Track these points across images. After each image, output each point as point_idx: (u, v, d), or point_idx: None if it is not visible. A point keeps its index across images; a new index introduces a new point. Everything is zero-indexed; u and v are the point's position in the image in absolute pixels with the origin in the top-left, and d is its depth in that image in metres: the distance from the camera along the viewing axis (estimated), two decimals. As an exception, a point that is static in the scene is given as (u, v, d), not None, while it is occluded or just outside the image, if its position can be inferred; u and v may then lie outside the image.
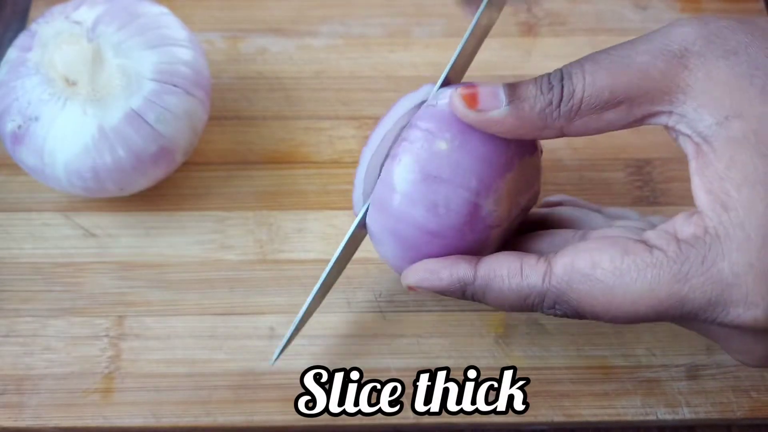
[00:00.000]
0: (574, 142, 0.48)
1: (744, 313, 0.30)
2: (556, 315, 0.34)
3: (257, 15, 0.53)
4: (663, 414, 0.41)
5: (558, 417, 0.41)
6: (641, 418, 0.41)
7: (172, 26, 0.45)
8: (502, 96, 0.34)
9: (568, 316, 0.34)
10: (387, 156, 0.37)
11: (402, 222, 0.36)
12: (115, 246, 0.45)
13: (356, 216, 0.38)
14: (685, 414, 0.41)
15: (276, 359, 0.39)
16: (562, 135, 0.34)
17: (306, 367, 0.42)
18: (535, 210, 0.41)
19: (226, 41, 0.52)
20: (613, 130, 0.33)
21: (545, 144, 0.48)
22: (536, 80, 0.34)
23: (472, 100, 0.34)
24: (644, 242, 0.32)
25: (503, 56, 0.52)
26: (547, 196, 0.44)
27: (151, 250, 0.45)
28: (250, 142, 0.49)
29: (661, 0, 0.54)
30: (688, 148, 0.32)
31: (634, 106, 0.32)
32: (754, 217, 0.29)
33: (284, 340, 0.39)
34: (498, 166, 0.36)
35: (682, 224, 0.31)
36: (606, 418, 0.41)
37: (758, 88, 0.30)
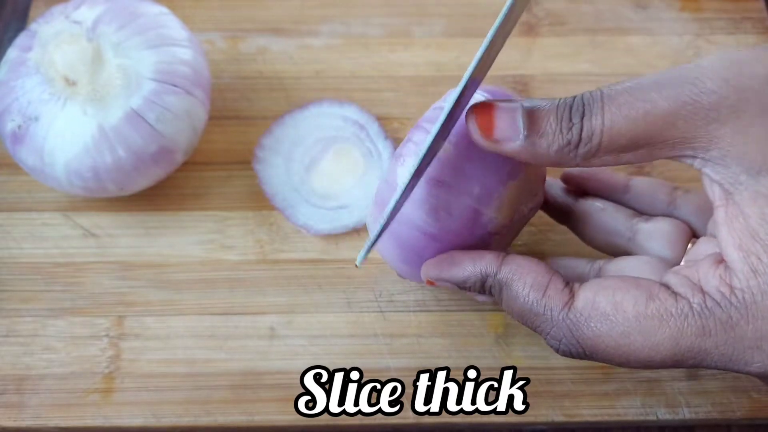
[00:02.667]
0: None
1: (761, 370, 0.30)
2: (557, 350, 0.33)
3: (257, 15, 0.53)
4: (663, 414, 0.41)
5: (558, 417, 0.41)
6: (641, 418, 0.41)
7: (172, 26, 0.45)
8: (520, 125, 0.32)
9: (571, 355, 0.33)
10: (396, 159, 0.37)
11: (402, 223, 0.36)
12: (115, 246, 0.45)
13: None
14: (685, 414, 0.41)
15: (363, 258, 0.35)
16: (578, 166, 0.33)
17: (306, 367, 0.42)
18: (556, 192, 0.41)
19: (226, 41, 0.52)
20: (633, 164, 0.33)
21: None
22: (557, 112, 0.32)
23: (487, 129, 0.33)
24: (667, 287, 0.31)
25: (503, 56, 0.51)
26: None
27: (151, 250, 0.45)
28: (250, 142, 0.49)
29: (661, 0, 0.54)
30: (716, 194, 0.31)
31: (655, 150, 0.31)
32: None
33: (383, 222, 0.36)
34: (502, 174, 0.36)
35: (707, 274, 0.31)
36: (606, 418, 0.41)
37: None
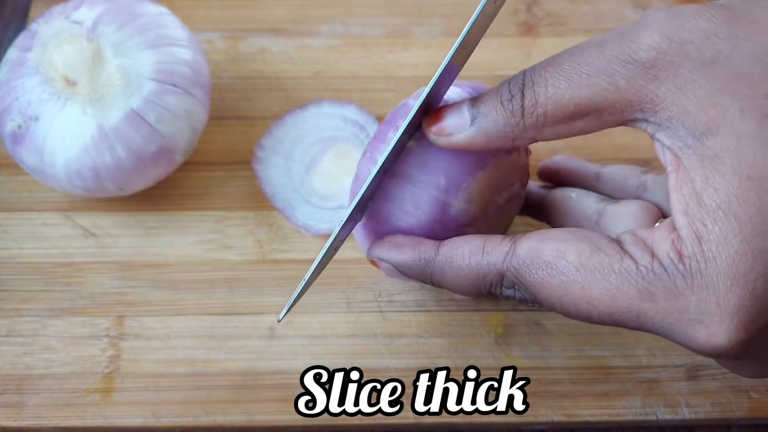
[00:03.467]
0: (574, 142, 0.48)
1: (704, 343, 0.29)
2: (514, 298, 0.33)
3: (257, 15, 0.53)
4: (663, 414, 0.41)
5: (558, 417, 0.41)
6: (641, 418, 0.41)
7: (172, 26, 0.45)
8: (466, 114, 0.33)
9: (526, 301, 0.33)
10: (364, 156, 0.38)
11: (375, 220, 0.36)
12: (115, 246, 0.45)
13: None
14: (684, 414, 0.41)
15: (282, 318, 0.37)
16: (536, 141, 0.33)
17: (306, 367, 0.42)
18: (532, 189, 0.41)
19: (226, 41, 0.52)
20: (589, 133, 0.32)
21: (546, 143, 0.48)
22: (497, 90, 0.32)
23: (438, 128, 0.34)
24: (618, 243, 0.30)
25: (503, 56, 0.52)
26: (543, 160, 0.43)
27: (151, 250, 0.45)
28: (249, 142, 0.49)
29: (661, 0, 0.54)
30: (667, 160, 0.30)
31: (604, 115, 0.30)
32: (726, 254, 0.28)
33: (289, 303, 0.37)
34: (468, 165, 0.35)
35: (661, 238, 0.30)
36: (606, 418, 0.41)
37: (739, 103, 0.28)
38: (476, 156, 0.35)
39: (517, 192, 0.39)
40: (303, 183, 0.47)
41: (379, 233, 0.37)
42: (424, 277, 0.35)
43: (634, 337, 0.42)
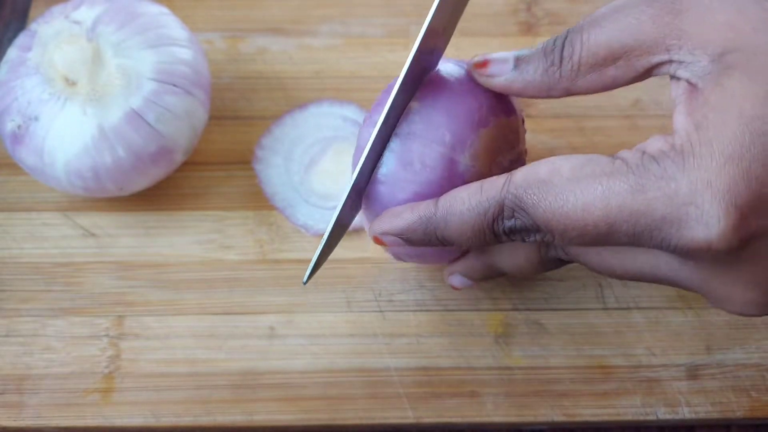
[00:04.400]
0: (574, 142, 0.48)
1: (697, 233, 0.28)
2: (514, 232, 0.33)
3: (257, 15, 0.53)
4: (663, 414, 0.41)
5: (558, 417, 0.41)
6: (641, 417, 0.41)
7: (172, 26, 0.45)
8: (511, 61, 0.34)
9: (527, 231, 0.32)
10: (363, 125, 0.38)
11: (382, 183, 0.36)
12: (114, 246, 0.45)
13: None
14: (685, 414, 0.41)
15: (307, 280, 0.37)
16: (570, 94, 0.33)
17: (306, 366, 0.42)
18: None
19: (226, 41, 0.52)
20: (622, 86, 0.33)
21: (546, 143, 0.48)
22: (543, 45, 0.34)
23: (482, 69, 0.35)
24: (611, 156, 0.31)
25: (503, 56, 0.52)
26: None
27: (151, 250, 0.45)
28: (249, 142, 0.49)
29: None
30: (680, 91, 0.31)
31: (633, 59, 0.31)
32: (723, 135, 0.28)
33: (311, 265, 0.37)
34: (471, 122, 0.36)
35: (655, 141, 0.30)
36: (606, 418, 0.41)
37: (752, 22, 0.29)
38: (479, 114, 0.36)
39: (519, 155, 0.39)
40: (303, 183, 0.47)
41: (389, 199, 0.36)
42: (428, 235, 0.34)
43: (635, 337, 0.42)
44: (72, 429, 0.41)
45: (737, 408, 0.41)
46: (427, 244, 0.35)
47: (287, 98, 0.50)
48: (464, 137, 0.36)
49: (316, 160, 0.48)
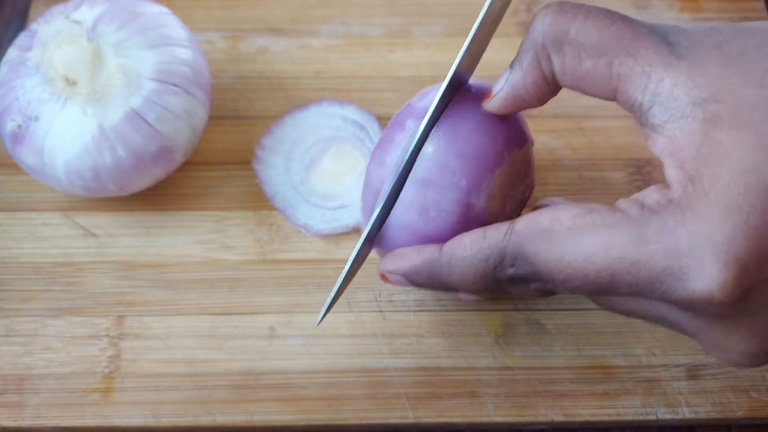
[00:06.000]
0: (574, 142, 0.48)
1: (697, 286, 0.28)
2: (516, 280, 0.33)
3: (257, 15, 0.53)
4: (663, 414, 0.41)
5: (558, 417, 0.41)
6: (641, 418, 0.41)
7: (172, 26, 0.45)
8: (506, 70, 0.35)
9: (527, 280, 0.32)
10: (372, 161, 0.37)
11: (396, 228, 0.36)
12: (115, 246, 0.45)
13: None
14: (685, 414, 0.41)
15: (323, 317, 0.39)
16: (555, 84, 0.33)
17: (306, 367, 0.42)
18: None
19: (226, 41, 0.52)
20: (592, 92, 0.33)
21: (546, 143, 0.48)
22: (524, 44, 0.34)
23: (488, 97, 0.36)
24: (611, 207, 0.31)
25: (503, 56, 0.51)
26: (541, 199, 0.43)
27: (151, 249, 0.45)
28: (249, 142, 0.49)
29: (661, 0, 0.54)
30: (662, 145, 0.31)
31: (614, 63, 0.31)
32: (719, 186, 0.28)
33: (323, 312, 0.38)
34: (487, 163, 0.36)
35: (652, 193, 0.30)
36: (606, 418, 0.41)
37: (740, 76, 0.30)
38: (494, 152, 0.36)
39: (530, 184, 0.39)
40: (303, 183, 0.47)
41: (401, 241, 0.36)
42: (432, 280, 0.35)
43: (635, 337, 0.42)
44: (72, 429, 0.41)
45: (737, 408, 0.41)
46: (432, 288, 0.35)
47: (287, 98, 0.50)
48: (480, 180, 0.35)
49: (316, 160, 0.48)
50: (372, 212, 0.37)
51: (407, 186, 0.36)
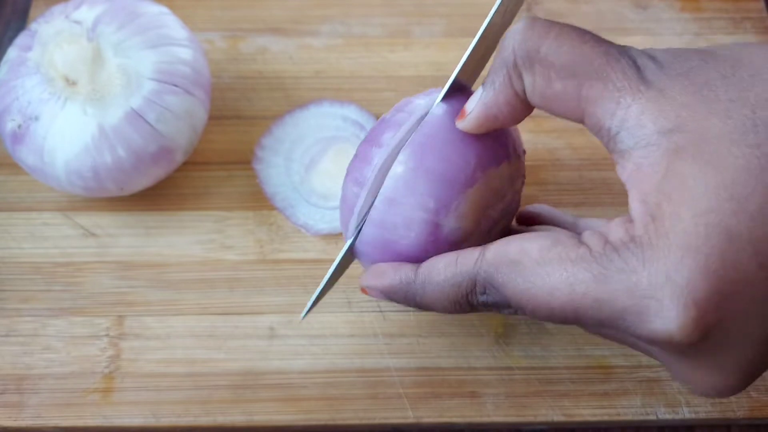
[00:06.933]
0: (574, 142, 0.48)
1: (658, 326, 0.29)
2: (488, 305, 0.33)
3: (257, 15, 0.53)
4: (663, 414, 0.41)
5: (558, 417, 0.41)
6: (641, 418, 0.41)
7: (172, 26, 0.45)
8: (479, 89, 0.34)
9: (499, 306, 0.33)
10: (348, 176, 0.38)
11: (367, 244, 0.37)
12: (115, 246, 0.45)
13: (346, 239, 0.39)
14: (685, 414, 0.41)
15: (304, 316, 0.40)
16: (528, 103, 0.33)
17: (306, 366, 0.42)
18: (513, 228, 0.41)
19: (226, 41, 0.52)
20: (560, 113, 0.32)
21: (546, 143, 0.48)
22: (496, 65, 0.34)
23: (462, 116, 0.35)
24: (576, 239, 0.31)
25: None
26: (539, 198, 0.44)
27: (151, 249, 0.45)
28: (249, 142, 0.49)
29: (661, 0, 0.54)
30: (628, 172, 0.31)
31: (584, 86, 0.31)
32: (679, 227, 0.28)
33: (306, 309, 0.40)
34: (457, 184, 0.35)
35: (616, 228, 0.30)
36: (606, 418, 0.41)
37: (706, 105, 0.30)
38: (464, 174, 0.35)
39: (511, 201, 0.38)
40: (303, 183, 0.47)
41: (376, 257, 0.37)
42: (408, 299, 0.36)
43: (635, 337, 0.42)
44: (72, 429, 0.41)
45: (737, 408, 0.41)
46: (409, 305, 0.36)
47: (287, 98, 0.50)
48: (449, 201, 0.35)
49: (316, 160, 0.48)
50: (347, 228, 0.38)
51: (377, 204, 0.36)
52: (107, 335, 0.43)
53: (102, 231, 0.46)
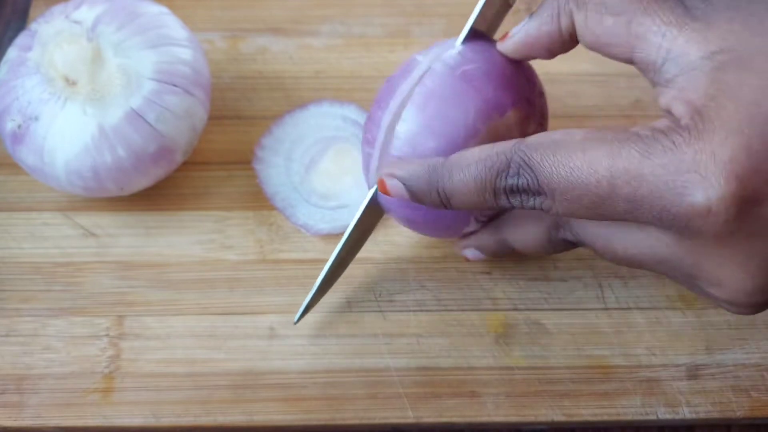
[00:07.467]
0: (574, 142, 0.48)
1: (698, 199, 0.30)
2: (515, 191, 0.33)
3: (257, 15, 0.53)
4: (663, 414, 0.41)
5: (558, 417, 0.41)
6: (641, 417, 0.41)
7: (172, 26, 0.45)
8: (525, 18, 0.36)
9: (528, 192, 0.33)
10: (362, 136, 0.40)
11: (389, 200, 0.38)
12: (115, 246, 0.45)
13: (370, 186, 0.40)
14: (685, 414, 0.41)
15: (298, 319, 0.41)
16: (570, 40, 0.35)
17: (306, 366, 0.42)
18: None
19: (226, 41, 0.52)
20: (610, 50, 0.34)
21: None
22: None
23: (504, 37, 0.37)
24: (624, 127, 0.32)
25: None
26: None
27: (151, 249, 0.45)
28: (249, 142, 0.49)
29: None
30: (669, 96, 0.32)
31: (633, 22, 0.32)
32: (724, 114, 0.30)
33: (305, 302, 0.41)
34: (457, 138, 0.36)
35: (662, 120, 0.32)
36: (606, 418, 0.41)
37: (750, 29, 0.31)
38: (464, 127, 0.36)
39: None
40: (303, 183, 0.47)
41: (398, 210, 0.39)
42: (431, 186, 0.35)
43: (635, 337, 0.42)
44: (72, 429, 0.41)
45: (737, 408, 0.41)
46: (429, 200, 0.36)
47: (288, 98, 0.50)
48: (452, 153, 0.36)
49: (316, 160, 0.48)
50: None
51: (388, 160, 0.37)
52: (107, 335, 0.43)
53: (102, 231, 0.46)
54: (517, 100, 0.38)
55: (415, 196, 0.36)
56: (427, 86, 0.37)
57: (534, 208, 0.34)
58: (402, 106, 0.37)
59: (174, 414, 0.41)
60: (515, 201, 0.34)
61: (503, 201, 0.34)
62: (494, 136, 0.37)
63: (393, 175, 0.36)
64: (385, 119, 0.38)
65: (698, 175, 0.29)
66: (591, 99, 0.50)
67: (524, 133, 0.38)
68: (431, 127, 0.36)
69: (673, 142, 0.30)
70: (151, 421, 0.41)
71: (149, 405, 0.41)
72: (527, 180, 0.33)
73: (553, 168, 0.32)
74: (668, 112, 0.32)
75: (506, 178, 0.33)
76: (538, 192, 0.33)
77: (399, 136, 0.37)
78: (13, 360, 0.42)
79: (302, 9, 0.54)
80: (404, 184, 0.36)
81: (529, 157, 0.33)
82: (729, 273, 0.32)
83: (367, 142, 0.39)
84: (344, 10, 0.53)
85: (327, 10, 0.53)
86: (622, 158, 0.31)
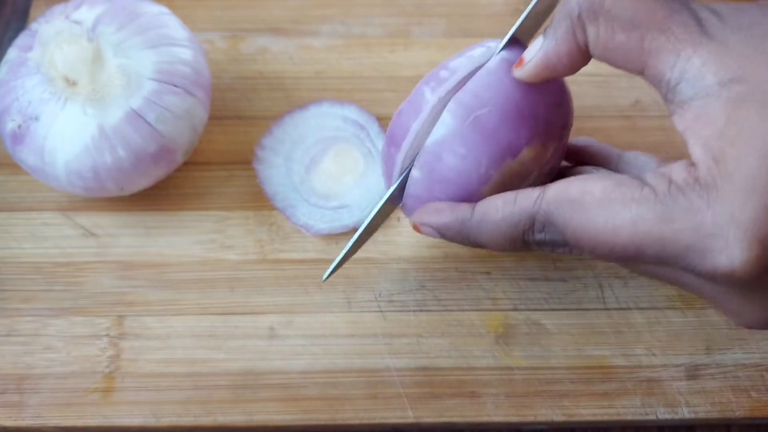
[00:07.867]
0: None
1: (722, 263, 0.30)
2: (544, 244, 0.34)
3: (257, 15, 0.53)
4: (663, 414, 0.41)
5: (558, 417, 0.41)
6: (641, 418, 0.41)
7: (172, 26, 0.45)
8: (539, 38, 0.35)
9: (556, 244, 0.34)
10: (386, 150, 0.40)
11: (415, 188, 0.38)
12: (115, 246, 0.45)
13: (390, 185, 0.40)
14: (684, 414, 0.41)
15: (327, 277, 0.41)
16: (588, 54, 0.34)
17: (306, 367, 0.42)
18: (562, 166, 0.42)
19: (226, 41, 0.52)
20: (621, 64, 0.33)
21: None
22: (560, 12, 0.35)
23: (519, 64, 0.36)
24: (640, 180, 0.32)
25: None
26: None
27: (151, 249, 0.45)
28: (250, 142, 0.49)
29: None
30: (688, 121, 0.31)
31: (646, 38, 0.32)
32: (743, 169, 0.29)
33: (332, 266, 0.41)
34: (469, 185, 0.37)
35: (679, 170, 0.31)
36: (606, 418, 0.41)
37: (766, 56, 0.31)
38: (478, 176, 0.37)
39: (539, 175, 0.39)
40: (303, 183, 0.47)
41: (424, 197, 0.39)
42: (462, 237, 0.37)
43: (635, 337, 0.42)
44: (72, 429, 0.41)
45: (737, 408, 0.41)
46: (460, 243, 0.37)
47: (288, 98, 0.50)
48: (465, 200, 0.37)
49: (316, 161, 0.48)
50: (392, 173, 0.40)
51: (427, 149, 0.37)
52: (107, 335, 0.43)
53: (102, 231, 0.46)
54: (533, 135, 0.37)
55: (448, 240, 0.38)
56: (438, 138, 0.37)
57: (565, 254, 0.35)
58: (415, 149, 0.38)
59: (174, 414, 0.41)
60: (546, 249, 0.35)
61: (534, 248, 0.35)
62: (508, 177, 0.37)
63: (426, 224, 0.38)
64: (399, 157, 0.39)
65: (720, 240, 0.30)
66: (591, 99, 0.50)
67: (540, 165, 0.38)
68: (444, 176, 0.37)
69: (691, 203, 0.30)
70: (151, 421, 0.41)
71: (149, 405, 0.41)
72: (553, 236, 0.34)
73: (578, 230, 0.32)
74: (684, 153, 0.31)
75: (533, 234, 0.35)
76: (565, 244, 0.34)
77: (414, 182, 0.38)
78: (14, 360, 0.42)
79: (302, 9, 0.54)
80: (437, 231, 0.38)
81: (551, 216, 0.33)
82: (749, 311, 0.33)
83: (387, 176, 0.40)
84: (344, 10, 0.53)
85: (327, 10, 0.53)
86: (642, 222, 0.31)
